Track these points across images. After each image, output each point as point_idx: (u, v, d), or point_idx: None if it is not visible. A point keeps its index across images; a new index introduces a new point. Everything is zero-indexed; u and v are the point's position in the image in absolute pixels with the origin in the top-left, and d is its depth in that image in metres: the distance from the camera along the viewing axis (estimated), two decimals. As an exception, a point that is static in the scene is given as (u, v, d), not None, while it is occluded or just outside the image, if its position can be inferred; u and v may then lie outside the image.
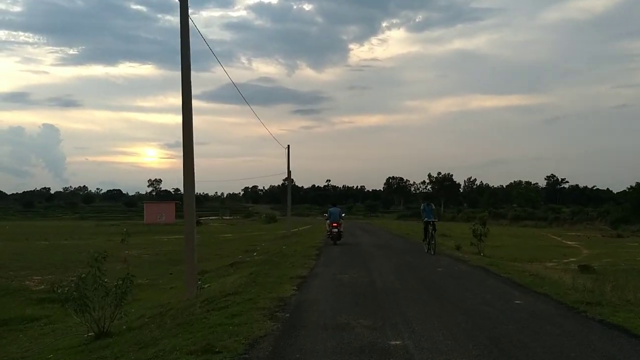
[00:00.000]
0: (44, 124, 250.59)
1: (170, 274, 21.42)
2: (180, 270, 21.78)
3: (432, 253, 17.76)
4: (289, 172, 47.63)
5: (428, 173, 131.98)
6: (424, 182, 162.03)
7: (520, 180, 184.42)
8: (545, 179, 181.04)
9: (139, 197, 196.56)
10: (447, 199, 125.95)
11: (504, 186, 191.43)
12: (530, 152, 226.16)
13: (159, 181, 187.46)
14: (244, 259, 20.41)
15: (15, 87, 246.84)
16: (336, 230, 23.43)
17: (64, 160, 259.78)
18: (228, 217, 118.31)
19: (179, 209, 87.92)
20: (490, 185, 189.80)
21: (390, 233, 38.25)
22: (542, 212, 78.78)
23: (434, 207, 20.01)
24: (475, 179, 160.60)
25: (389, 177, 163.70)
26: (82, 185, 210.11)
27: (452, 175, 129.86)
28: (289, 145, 42.11)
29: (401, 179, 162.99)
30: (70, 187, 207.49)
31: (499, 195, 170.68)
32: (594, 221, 66.62)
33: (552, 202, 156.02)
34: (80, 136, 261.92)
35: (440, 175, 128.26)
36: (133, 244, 36.14)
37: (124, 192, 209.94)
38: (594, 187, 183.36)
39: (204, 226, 65.89)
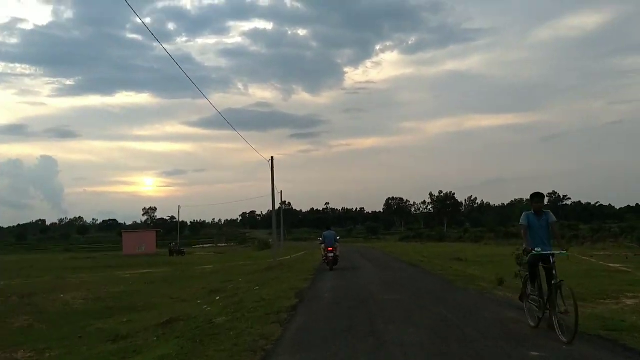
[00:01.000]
0: (41, 156, 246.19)
1: (80, 336, 13.93)
2: (100, 329, 14.66)
3: (561, 334, 6.99)
4: (273, 189, 41.51)
5: (429, 192, 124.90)
6: (424, 202, 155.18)
7: (521, 198, 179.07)
8: (547, 196, 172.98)
9: (134, 227, 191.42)
10: (450, 218, 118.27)
11: (505, 204, 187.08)
12: (528, 170, 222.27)
13: (154, 209, 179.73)
14: (184, 317, 13.10)
15: (13, 120, 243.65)
16: (332, 255, 21.93)
17: (62, 191, 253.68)
18: (223, 244, 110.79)
19: (161, 238, 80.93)
20: (492, 204, 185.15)
21: (398, 260, 30.87)
22: (559, 230, 71.01)
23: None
24: (475, 198, 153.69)
25: (389, 198, 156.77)
26: (77, 217, 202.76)
27: (454, 194, 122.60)
28: (272, 157, 37.03)
29: (401, 199, 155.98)
30: (66, 218, 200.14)
31: (503, 214, 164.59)
32: (617, 238, 58.96)
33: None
34: (78, 167, 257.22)
35: (442, 194, 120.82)
36: (83, 282, 28.69)
37: (120, 221, 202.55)
38: (597, 203, 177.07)
39: (188, 256, 58.44)
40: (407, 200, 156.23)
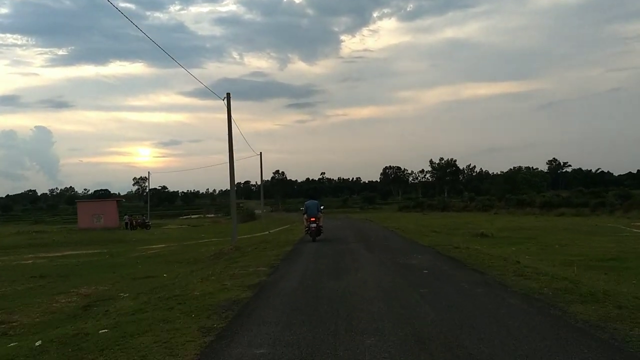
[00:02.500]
0: (36, 127, 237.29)
1: None
2: None
3: None
4: (230, 136, 33.04)
5: (429, 159, 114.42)
6: (422, 171, 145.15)
7: (520, 166, 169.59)
8: (547, 163, 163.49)
9: (129, 197, 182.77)
10: (450, 186, 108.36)
11: (504, 172, 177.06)
12: (525, 138, 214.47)
13: (144, 179, 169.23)
14: None
15: (6, 90, 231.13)
16: (315, 225, 19.66)
17: (58, 162, 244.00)
18: (211, 215, 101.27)
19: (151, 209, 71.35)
20: (490, 172, 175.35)
21: (404, 239, 20.89)
22: (576, 197, 61.21)
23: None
24: (474, 166, 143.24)
25: (386, 167, 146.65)
26: (69, 187, 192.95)
27: (455, 160, 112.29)
28: (228, 94, 30.20)
29: (399, 168, 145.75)
30: (57, 189, 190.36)
31: (505, 182, 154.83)
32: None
33: (555, 187, 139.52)
34: (73, 137, 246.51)
35: (443, 161, 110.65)
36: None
37: (113, 192, 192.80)
38: (598, 169, 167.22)
39: (155, 230, 48.60)
40: (404, 169, 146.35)
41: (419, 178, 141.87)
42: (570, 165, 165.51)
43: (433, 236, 24.00)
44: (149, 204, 73.73)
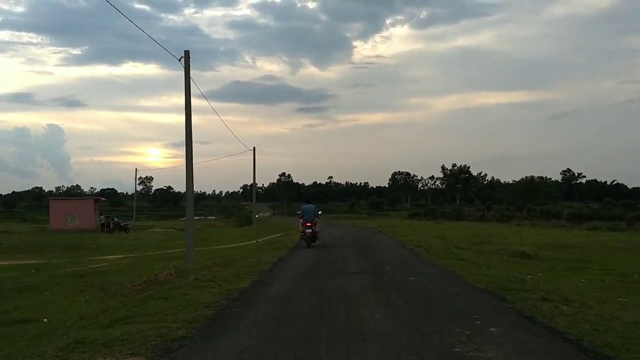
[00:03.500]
0: (48, 125, 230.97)
1: None
2: None
3: None
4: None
5: (442, 165, 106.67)
6: (432, 178, 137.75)
7: (532, 176, 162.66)
8: (560, 173, 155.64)
9: (127, 197, 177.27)
10: (463, 194, 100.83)
11: (517, 181, 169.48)
12: (537, 147, 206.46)
13: (150, 179, 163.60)
14: None
15: (20, 88, 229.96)
16: (310, 230, 18.29)
17: (69, 160, 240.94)
18: (212, 218, 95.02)
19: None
20: (502, 181, 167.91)
21: (435, 267, 13.75)
22: (607, 208, 53.76)
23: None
24: (485, 174, 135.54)
25: (395, 172, 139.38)
26: (75, 184, 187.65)
27: (469, 167, 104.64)
28: (187, 51, 24.81)
29: (408, 174, 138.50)
30: (63, 186, 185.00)
31: (519, 191, 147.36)
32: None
33: (569, 198, 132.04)
34: (85, 136, 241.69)
35: (456, 168, 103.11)
36: None
37: (120, 191, 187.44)
38: (614, 181, 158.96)
39: (138, 233, 41.92)
40: (414, 174, 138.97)
41: (429, 185, 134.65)
42: (584, 176, 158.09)
43: (466, 255, 17.16)
44: (132, 204, 67.09)
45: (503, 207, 66.50)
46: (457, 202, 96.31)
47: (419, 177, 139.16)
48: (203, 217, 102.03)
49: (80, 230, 41.64)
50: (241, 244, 27.46)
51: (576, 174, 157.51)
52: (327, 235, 24.25)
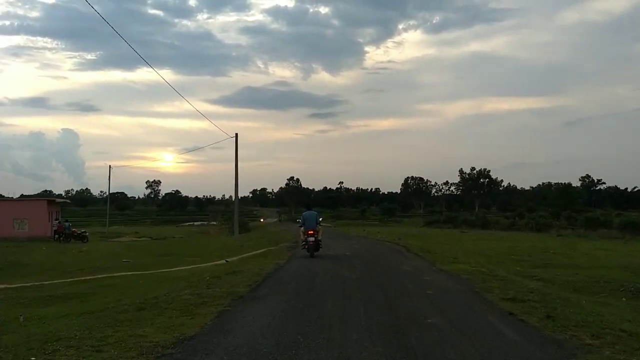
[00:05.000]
0: (63, 129, 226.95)
1: None
2: None
3: None
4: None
5: (459, 169, 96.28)
6: (447, 183, 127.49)
7: (549, 182, 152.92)
8: (579, 179, 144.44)
9: (143, 202, 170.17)
10: (483, 199, 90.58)
11: (534, 187, 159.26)
12: (552, 154, 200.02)
13: (158, 182, 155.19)
14: None
15: (35, 93, 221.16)
16: (313, 239, 16.14)
17: (83, 165, 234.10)
18: (214, 223, 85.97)
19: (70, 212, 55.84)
20: (518, 187, 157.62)
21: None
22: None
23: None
24: (502, 180, 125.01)
25: (408, 177, 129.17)
26: (85, 188, 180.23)
27: (489, 171, 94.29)
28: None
29: (421, 179, 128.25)
30: (72, 190, 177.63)
31: (534, 198, 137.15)
32: None
33: (589, 205, 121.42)
34: (99, 141, 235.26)
35: (475, 172, 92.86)
36: None
37: (130, 195, 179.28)
38: (635, 188, 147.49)
39: (99, 244, 32.73)
40: (427, 180, 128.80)
41: (443, 190, 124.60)
42: (604, 183, 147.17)
43: (591, 309, 7.74)
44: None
45: (537, 214, 56.28)
46: (476, 208, 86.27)
47: (432, 183, 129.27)
48: (206, 222, 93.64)
49: (30, 238, 32.76)
50: (200, 265, 18.13)
51: (595, 180, 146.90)
52: (336, 251, 15.49)
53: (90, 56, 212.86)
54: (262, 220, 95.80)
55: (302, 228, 16.61)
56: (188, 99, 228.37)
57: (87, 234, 35.33)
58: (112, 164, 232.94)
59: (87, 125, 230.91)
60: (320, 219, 17.09)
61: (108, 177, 59.92)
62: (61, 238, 34.02)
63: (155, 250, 27.76)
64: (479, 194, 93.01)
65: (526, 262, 22.82)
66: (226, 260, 18.70)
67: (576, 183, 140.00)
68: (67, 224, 35.15)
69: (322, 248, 16.45)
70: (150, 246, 31.22)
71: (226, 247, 26.64)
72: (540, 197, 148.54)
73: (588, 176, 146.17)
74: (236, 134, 28.23)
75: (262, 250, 21.11)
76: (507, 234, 46.22)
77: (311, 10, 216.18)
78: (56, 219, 37.64)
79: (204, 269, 15.57)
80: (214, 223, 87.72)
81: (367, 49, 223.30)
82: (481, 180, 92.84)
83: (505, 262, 21.32)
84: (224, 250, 24.64)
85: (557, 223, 48.93)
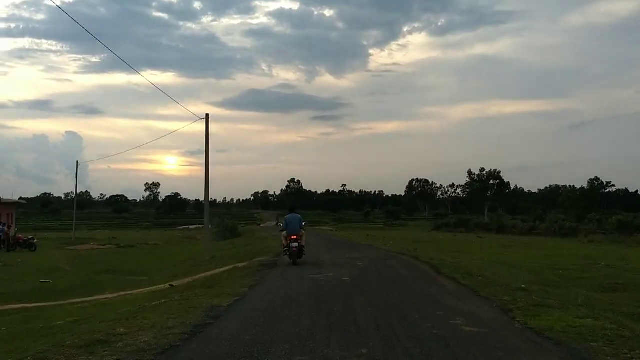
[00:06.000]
0: (67, 132, 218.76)
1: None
2: None
3: None
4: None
5: (468, 169, 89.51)
6: (453, 185, 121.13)
7: (557, 185, 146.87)
8: (588, 182, 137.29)
9: (144, 204, 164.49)
10: (493, 202, 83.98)
11: (541, 190, 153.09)
12: (556, 157, 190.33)
13: (157, 185, 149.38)
14: None
15: (39, 95, 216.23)
16: (296, 244, 14.57)
17: (87, 167, 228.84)
18: (211, 227, 79.55)
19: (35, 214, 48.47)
20: (525, 190, 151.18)
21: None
22: None
23: None
24: (508, 182, 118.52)
25: (413, 179, 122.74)
26: (85, 191, 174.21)
27: (499, 172, 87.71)
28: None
29: (426, 181, 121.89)
30: (72, 192, 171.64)
31: (542, 201, 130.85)
32: None
33: (597, 208, 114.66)
34: (103, 144, 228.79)
35: (485, 173, 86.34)
36: None
37: (130, 198, 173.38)
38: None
39: (44, 251, 26.61)
40: (433, 182, 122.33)
41: (449, 193, 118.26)
42: (614, 185, 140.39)
43: None
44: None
45: (560, 217, 49.70)
46: (486, 211, 79.88)
47: (438, 185, 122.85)
48: (201, 226, 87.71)
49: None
50: (133, 292, 12.07)
51: (605, 183, 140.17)
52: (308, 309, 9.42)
53: (94, 59, 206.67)
54: (259, 224, 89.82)
55: (284, 233, 15.23)
56: (192, 101, 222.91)
57: (35, 241, 29.16)
58: (115, 166, 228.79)
59: (90, 128, 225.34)
60: (304, 223, 15.65)
61: (75, 176, 53.35)
62: (7, 245, 27.94)
63: (102, 264, 21.65)
64: (487, 196, 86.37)
65: (585, 281, 16.73)
66: (170, 285, 12.61)
67: (584, 185, 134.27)
68: (1, 227, 28.94)
69: (306, 254, 14.90)
70: (103, 257, 25.07)
71: (194, 259, 20.50)
72: (549, 199, 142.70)
73: (597, 178, 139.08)
74: (207, 114, 22.26)
75: (228, 268, 14.95)
76: (530, 240, 39.98)
77: (316, 13, 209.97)
78: (3, 223, 31.11)
79: (137, 296, 9.59)
80: (211, 227, 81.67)
81: (371, 51, 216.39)
82: (491, 181, 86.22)
83: (566, 284, 15.20)
84: (188, 265, 18.55)
85: (584, 227, 42.63)
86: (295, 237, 14.61)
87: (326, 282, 10.37)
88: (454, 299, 8.32)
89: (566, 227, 43.89)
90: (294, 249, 14.44)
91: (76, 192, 64.05)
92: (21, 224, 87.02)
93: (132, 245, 34.45)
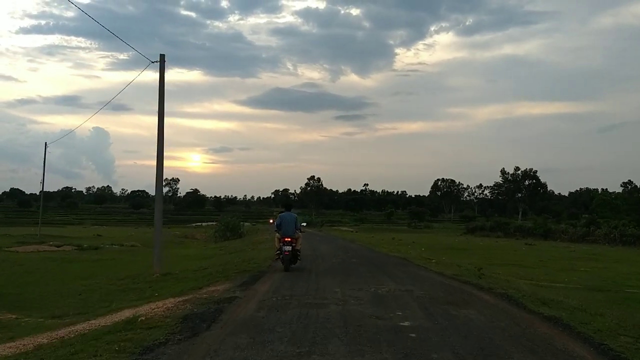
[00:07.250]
0: (94, 127, 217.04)
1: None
2: None
3: None
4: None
5: (502, 168, 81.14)
6: (480, 186, 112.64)
7: (587, 187, 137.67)
8: (621, 185, 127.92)
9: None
10: (528, 204, 75.47)
11: (573, 192, 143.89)
12: (584, 159, 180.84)
13: (177, 181, 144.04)
14: None
15: (68, 91, 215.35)
16: (290, 247, 12.48)
17: (113, 163, 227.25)
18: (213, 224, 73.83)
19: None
20: (555, 192, 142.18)
21: None
22: None
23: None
24: (545, 183, 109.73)
25: (438, 179, 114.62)
26: (106, 186, 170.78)
27: (535, 171, 79.03)
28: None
29: (452, 181, 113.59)
30: (94, 187, 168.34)
31: (575, 204, 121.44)
32: None
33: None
34: (129, 140, 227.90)
35: (519, 172, 77.82)
36: None
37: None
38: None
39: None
40: (459, 182, 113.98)
41: (476, 194, 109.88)
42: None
43: None
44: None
45: (620, 222, 41.36)
46: (520, 214, 71.71)
47: (465, 186, 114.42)
48: (214, 223, 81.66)
49: None
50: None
51: (638, 187, 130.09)
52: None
53: (122, 56, 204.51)
54: (271, 221, 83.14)
55: (278, 234, 13.10)
56: (216, 100, 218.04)
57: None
58: (141, 162, 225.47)
59: (117, 124, 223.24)
60: (304, 224, 14.98)
61: (43, 162, 44.94)
62: None
63: (15, 281, 14.79)
64: (517, 198, 77.90)
65: None
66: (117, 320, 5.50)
67: (617, 189, 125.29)
68: None
69: (301, 259, 13.04)
70: (14, 268, 18.06)
71: (138, 277, 13.55)
72: (580, 203, 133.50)
73: (630, 182, 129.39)
74: (161, 55, 15.47)
75: (180, 299, 7.83)
76: (591, 248, 32.10)
77: (342, 12, 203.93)
78: None
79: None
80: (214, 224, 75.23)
81: (397, 50, 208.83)
82: (526, 182, 77.71)
83: None
84: (121, 286, 11.65)
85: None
86: (289, 239, 12.60)
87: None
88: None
89: (628, 233, 35.93)
90: (286, 253, 12.55)
91: (43, 180, 47.16)
92: (20, 217, 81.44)
93: (96, 247, 27.76)
